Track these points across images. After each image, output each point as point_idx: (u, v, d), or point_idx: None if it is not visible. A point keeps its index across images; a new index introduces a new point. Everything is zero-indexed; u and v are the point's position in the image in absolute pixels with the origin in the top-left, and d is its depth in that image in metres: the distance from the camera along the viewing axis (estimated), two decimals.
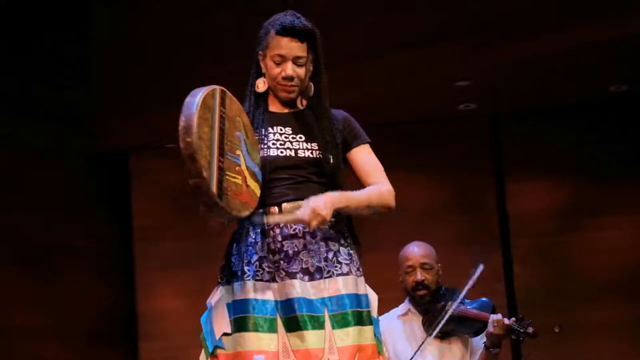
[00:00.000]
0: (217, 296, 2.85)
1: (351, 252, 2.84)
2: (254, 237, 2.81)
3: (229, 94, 2.69)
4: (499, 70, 5.94)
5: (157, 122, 6.38)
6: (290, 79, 2.85)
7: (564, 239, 6.68)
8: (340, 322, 2.73)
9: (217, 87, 2.64)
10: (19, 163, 6.32)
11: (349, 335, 2.75)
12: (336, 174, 2.84)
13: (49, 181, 6.50)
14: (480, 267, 4.49)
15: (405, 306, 4.64)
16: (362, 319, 2.80)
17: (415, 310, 4.62)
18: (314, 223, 2.65)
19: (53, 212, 6.52)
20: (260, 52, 2.90)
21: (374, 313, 2.89)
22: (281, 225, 2.75)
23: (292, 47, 2.85)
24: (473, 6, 5.57)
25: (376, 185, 2.85)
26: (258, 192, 2.72)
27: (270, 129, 2.86)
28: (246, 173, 2.65)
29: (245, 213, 2.65)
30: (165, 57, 6.18)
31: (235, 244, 2.85)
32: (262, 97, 2.91)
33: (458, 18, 5.63)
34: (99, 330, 6.70)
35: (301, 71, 2.85)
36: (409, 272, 4.57)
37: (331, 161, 2.83)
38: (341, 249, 2.82)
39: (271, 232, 2.78)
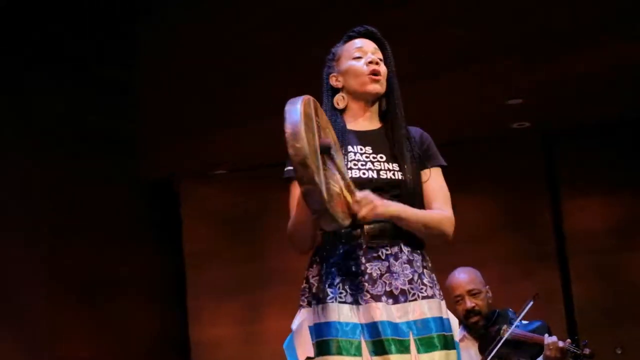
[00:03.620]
0: (299, 319, 2.79)
1: (432, 274, 2.80)
2: (335, 259, 2.75)
3: (317, 103, 2.66)
4: (551, 87, 5.86)
5: (205, 148, 6.48)
6: (376, 62, 2.83)
7: (623, 256, 6.57)
8: (426, 346, 2.69)
9: (310, 97, 2.61)
10: (68, 190, 6.37)
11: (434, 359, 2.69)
12: (417, 196, 2.79)
13: (99, 209, 6.54)
14: (533, 300, 4.47)
15: (460, 332, 4.50)
16: (447, 342, 2.76)
17: (470, 336, 4.59)
18: (364, 210, 2.59)
19: (105, 240, 6.55)
20: (334, 74, 2.90)
21: (456, 337, 2.86)
22: (364, 246, 2.71)
23: (367, 42, 2.87)
24: (523, 22, 5.47)
25: (439, 210, 2.80)
26: (351, 202, 2.67)
27: (350, 148, 2.80)
28: (342, 183, 2.61)
29: (347, 222, 2.58)
30: (212, 81, 6.18)
31: (315, 266, 2.80)
32: (341, 115, 2.87)
33: (508, 35, 5.52)
34: (152, 359, 6.71)
35: (382, 67, 2.85)
36: (458, 302, 4.53)
37: (412, 183, 2.79)
38: (424, 271, 2.78)
39: (354, 254, 2.72)
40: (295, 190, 2.63)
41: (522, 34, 5.44)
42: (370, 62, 2.82)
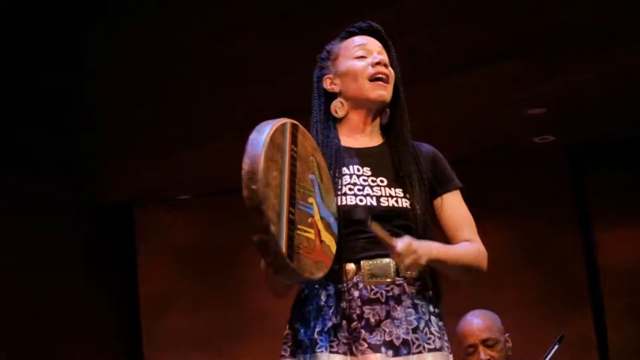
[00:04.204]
0: None
1: (441, 322, 2.70)
2: (325, 299, 2.65)
3: (301, 128, 2.56)
4: (580, 94, 5.67)
5: (165, 168, 6.38)
6: (384, 64, 2.73)
7: None
8: None
9: (288, 121, 2.51)
10: (4, 218, 6.24)
11: None
12: (427, 226, 2.70)
13: (35, 240, 6.35)
14: (559, 343, 4.39)
15: None
16: None
17: None
18: (407, 262, 2.52)
19: (41, 279, 6.34)
20: (328, 75, 2.80)
21: None
22: (360, 287, 2.61)
23: (371, 41, 2.79)
24: (543, 18, 5.29)
25: (470, 242, 2.72)
26: (334, 247, 2.59)
27: (345, 170, 2.71)
28: (320, 225, 2.54)
29: (319, 275, 2.52)
30: (173, 94, 6.09)
31: (301, 308, 2.70)
32: (333, 129, 2.77)
33: (526, 32, 5.34)
34: None
35: (391, 71, 2.76)
36: (470, 353, 4.32)
37: (420, 211, 2.69)
38: (432, 318, 2.67)
39: (347, 294, 2.62)
40: None
41: (543, 28, 5.29)
42: (378, 64, 2.74)
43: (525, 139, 6.30)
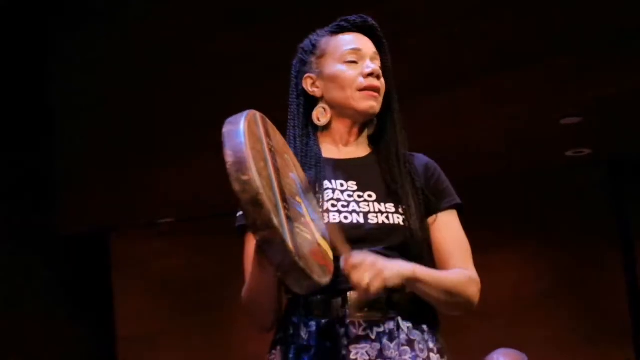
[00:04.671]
0: None
1: (444, 359, 2.55)
2: (306, 338, 2.47)
3: (269, 121, 2.43)
4: (619, 101, 5.52)
5: (144, 190, 6.23)
6: (377, 75, 2.57)
7: None
8: None
9: (257, 112, 2.38)
10: None
11: None
12: (426, 247, 2.54)
13: (5, 272, 6.21)
14: None
15: None
16: None
17: None
18: (367, 279, 2.32)
19: (7, 317, 6.13)
20: (311, 74, 2.61)
21: None
22: (347, 322, 2.43)
23: (365, 41, 2.62)
24: (580, 18, 5.04)
25: (461, 269, 2.52)
26: (331, 253, 2.39)
27: (327, 184, 2.55)
28: (313, 227, 2.37)
29: (325, 280, 2.30)
30: (150, 108, 5.91)
31: (279, 348, 2.52)
32: (313, 136, 2.60)
33: (560, 31, 5.10)
34: None
35: (383, 82, 2.62)
36: None
37: (419, 230, 2.53)
38: (431, 355, 2.49)
39: (332, 332, 2.45)
40: (251, 245, 2.45)
41: (580, 29, 5.07)
42: (370, 75, 2.58)
43: (557, 152, 6.20)
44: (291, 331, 2.52)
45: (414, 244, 2.52)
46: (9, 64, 6.34)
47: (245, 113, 2.32)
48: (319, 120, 2.60)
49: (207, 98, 5.75)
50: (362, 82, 2.56)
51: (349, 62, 2.58)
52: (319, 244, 2.40)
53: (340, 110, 2.62)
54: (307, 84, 2.62)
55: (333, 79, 2.60)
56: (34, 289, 6.42)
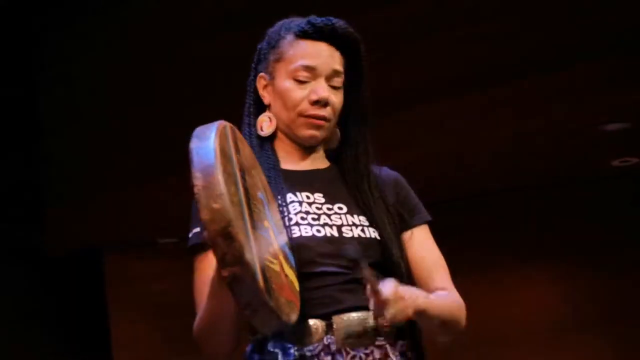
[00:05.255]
0: None
1: None
2: None
3: (238, 132, 2.34)
4: None
5: (141, 207, 6.20)
6: (324, 104, 2.46)
7: None
8: None
9: (227, 124, 2.27)
10: None
11: None
12: (401, 264, 2.49)
13: None
14: None
15: None
16: None
17: None
18: (392, 312, 2.23)
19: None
20: (263, 74, 2.52)
21: None
22: (332, 350, 2.34)
23: (326, 56, 2.49)
24: (628, 18, 4.90)
25: (448, 293, 2.49)
26: (297, 284, 2.33)
27: (292, 196, 2.46)
28: (280, 255, 2.29)
29: (294, 317, 2.25)
30: (144, 120, 5.92)
31: None
32: (269, 146, 2.51)
33: (603, 30, 4.95)
34: None
35: (337, 99, 2.50)
36: None
37: (397, 245, 2.47)
38: None
39: None
40: (204, 266, 2.29)
41: (620, 26, 4.91)
42: (317, 102, 2.46)
43: (601, 161, 6.17)
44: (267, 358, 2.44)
45: (391, 260, 2.49)
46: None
47: (214, 126, 2.23)
48: (261, 129, 2.53)
49: (204, 112, 5.93)
50: (306, 108, 2.47)
51: (299, 82, 2.49)
52: (286, 275, 2.33)
53: (282, 129, 2.56)
54: (260, 85, 2.55)
55: (279, 95, 2.53)
56: (21, 313, 6.44)
